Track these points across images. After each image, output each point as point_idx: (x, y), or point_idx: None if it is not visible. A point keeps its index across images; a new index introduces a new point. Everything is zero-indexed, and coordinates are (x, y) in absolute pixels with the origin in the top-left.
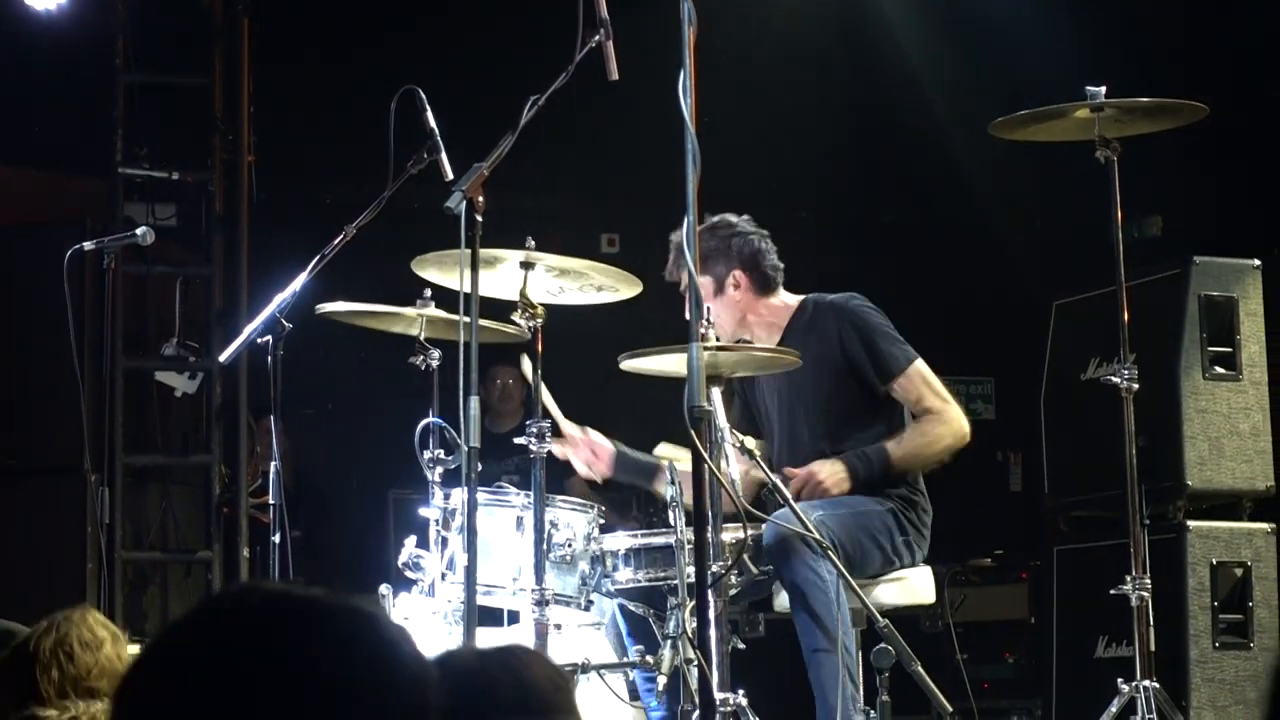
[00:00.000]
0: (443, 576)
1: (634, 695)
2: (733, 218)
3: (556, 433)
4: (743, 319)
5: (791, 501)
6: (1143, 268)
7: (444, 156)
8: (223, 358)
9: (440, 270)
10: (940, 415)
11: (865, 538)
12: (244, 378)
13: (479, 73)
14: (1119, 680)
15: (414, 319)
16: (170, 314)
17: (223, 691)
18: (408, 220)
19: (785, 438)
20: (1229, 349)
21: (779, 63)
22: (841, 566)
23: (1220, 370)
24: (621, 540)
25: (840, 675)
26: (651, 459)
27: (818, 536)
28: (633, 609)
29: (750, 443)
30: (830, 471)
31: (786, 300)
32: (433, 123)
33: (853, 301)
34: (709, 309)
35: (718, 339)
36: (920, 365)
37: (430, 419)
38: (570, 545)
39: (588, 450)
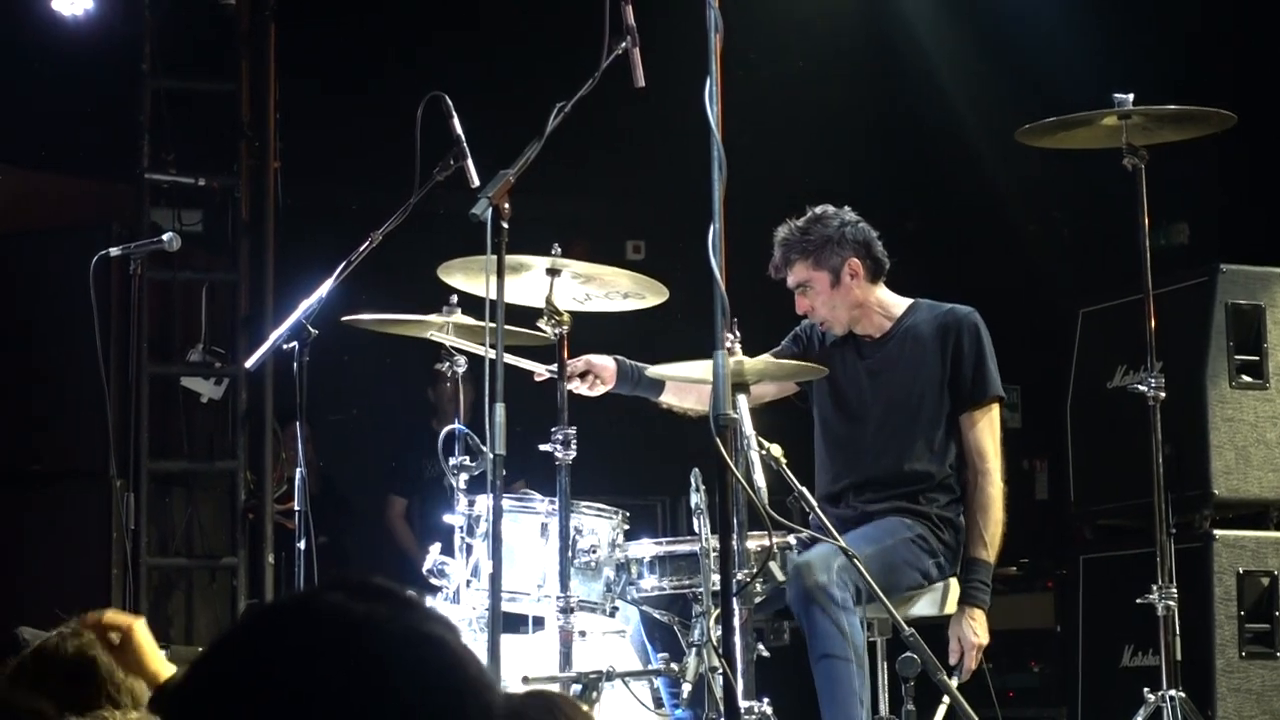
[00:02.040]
0: (467, 583)
1: (658, 703)
2: (833, 208)
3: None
4: (859, 308)
5: (816, 509)
6: (1169, 275)
7: (470, 163)
8: (248, 364)
9: (466, 276)
10: (988, 470)
11: (892, 571)
12: (270, 384)
13: (506, 79)
14: (1145, 690)
15: (440, 326)
16: (196, 320)
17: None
18: (434, 226)
19: (867, 425)
20: (1256, 357)
21: (806, 70)
22: (866, 574)
23: (1247, 379)
24: (646, 547)
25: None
26: (654, 375)
27: (843, 544)
28: (657, 616)
29: (776, 450)
30: (981, 630)
31: (895, 297)
32: (459, 129)
33: (974, 316)
34: (736, 321)
35: (822, 335)
36: (999, 406)
37: (454, 425)
38: (595, 551)
39: (591, 378)
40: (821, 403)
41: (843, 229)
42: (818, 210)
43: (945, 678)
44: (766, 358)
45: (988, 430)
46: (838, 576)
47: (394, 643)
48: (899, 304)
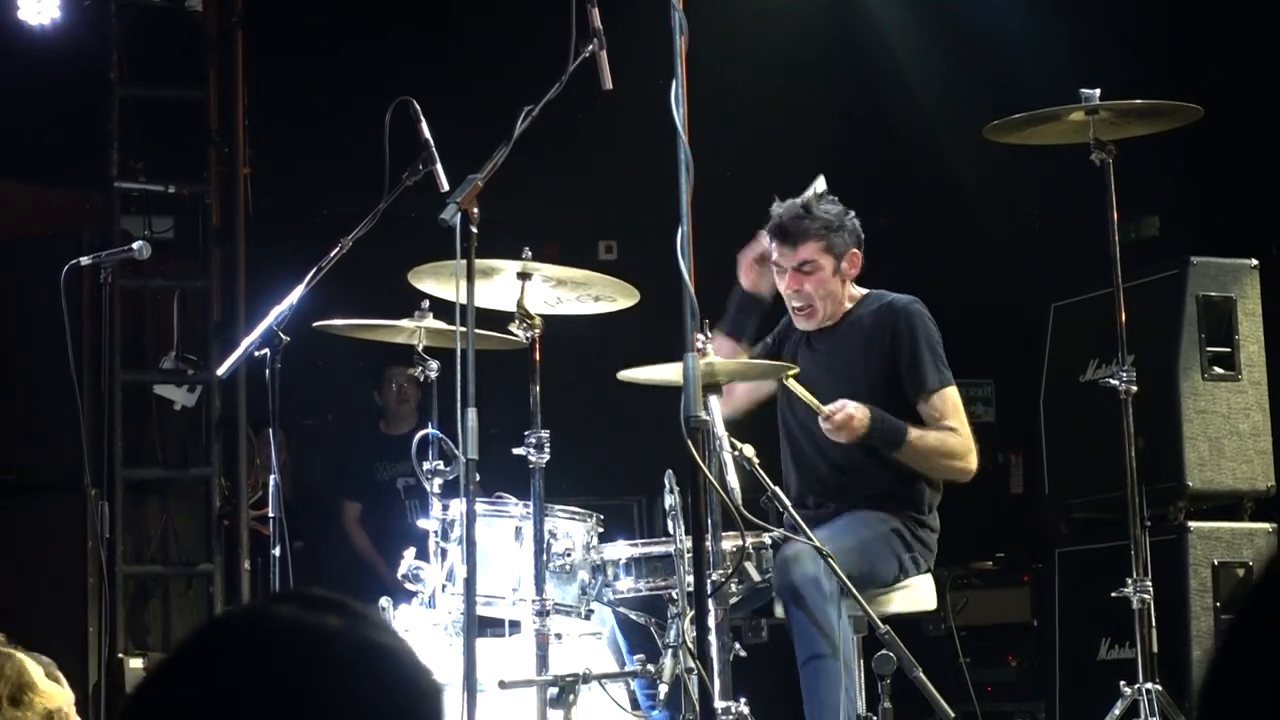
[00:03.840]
0: (442, 588)
1: (635, 705)
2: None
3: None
4: (838, 303)
5: (789, 507)
6: (1140, 269)
7: (439, 167)
8: (220, 371)
9: (437, 281)
10: (960, 436)
11: (872, 564)
12: (243, 390)
13: (474, 84)
14: (1121, 683)
15: (412, 331)
16: (168, 327)
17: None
18: (405, 231)
19: (799, 423)
20: (1228, 349)
21: (773, 68)
22: (841, 574)
23: (1219, 370)
24: (621, 549)
25: (840, 684)
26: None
27: (817, 544)
28: (633, 618)
29: (749, 451)
30: (858, 409)
31: (855, 287)
32: (427, 134)
33: (914, 306)
34: (707, 322)
35: (782, 340)
36: (952, 392)
37: (428, 430)
38: (570, 555)
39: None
40: (781, 404)
41: (846, 218)
42: (816, 190)
43: (922, 674)
44: (741, 358)
45: (943, 410)
46: (824, 567)
47: (348, 654)
48: (856, 293)
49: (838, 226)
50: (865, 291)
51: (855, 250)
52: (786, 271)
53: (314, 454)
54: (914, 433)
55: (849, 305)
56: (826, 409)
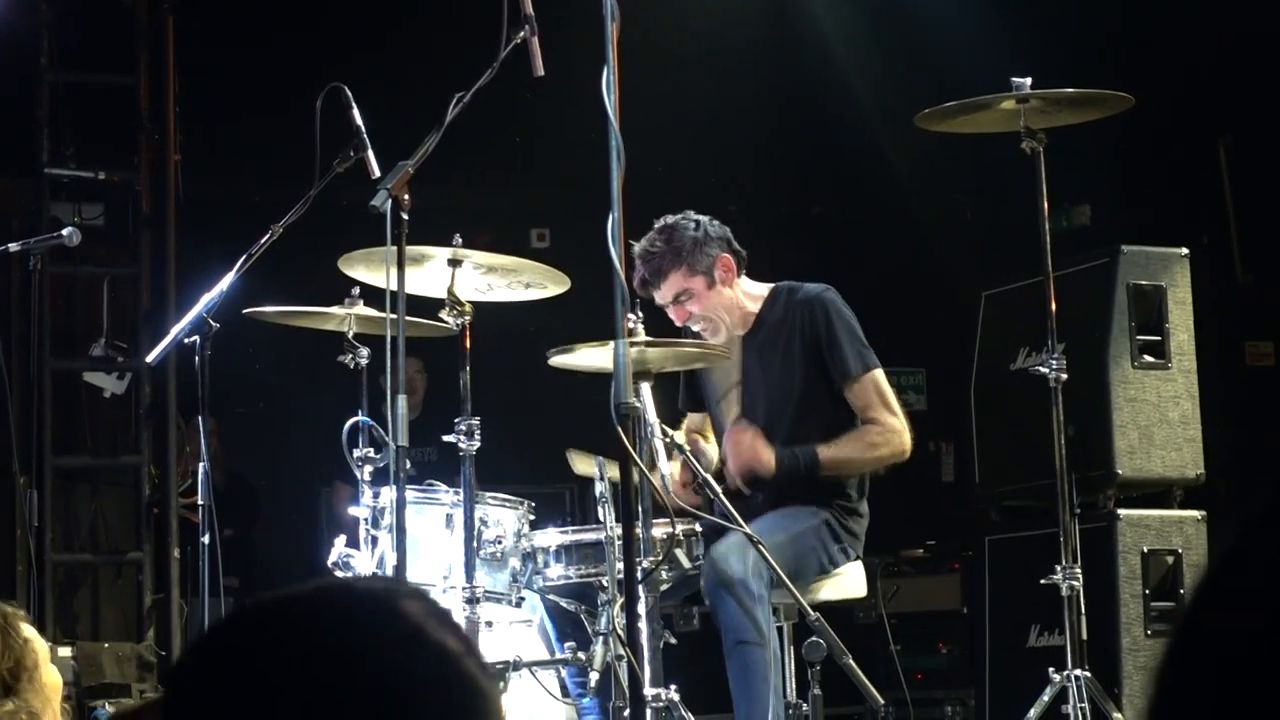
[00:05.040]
0: (373, 575)
1: (565, 692)
2: (674, 216)
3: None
4: (734, 307)
5: (720, 495)
6: (1071, 257)
7: (370, 154)
8: (150, 359)
9: (368, 268)
10: (883, 427)
11: (800, 559)
12: (173, 378)
13: (405, 70)
14: (1050, 669)
15: (343, 318)
16: (98, 314)
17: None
18: (336, 218)
19: (755, 421)
20: (1158, 338)
21: (705, 56)
22: (772, 561)
23: (1149, 359)
24: (552, 537)
25: (767, 672)
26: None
27: (748, 531)
28: (564, 605)
29: (679, 437)
30: (761, 444)
31: (756, 286)
32: (359, 120)
33: (826, 294)
34: (635, 303)
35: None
36: (877, 375)
37: (358, 417)
38: (500, 542)
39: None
40: (712, 407)
41: (703, 228)
42: (667, 220)
43: (852, 662)
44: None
45: (868, 396)
46: (753, 568)
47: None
48: (760, 293)
49: (690, 245)
50: (770, 286)
51: (722, 254)
52: (669, 307)
53: (251, 442)
54: (825, 451)
55: (756, 306)
56: (725, 448)
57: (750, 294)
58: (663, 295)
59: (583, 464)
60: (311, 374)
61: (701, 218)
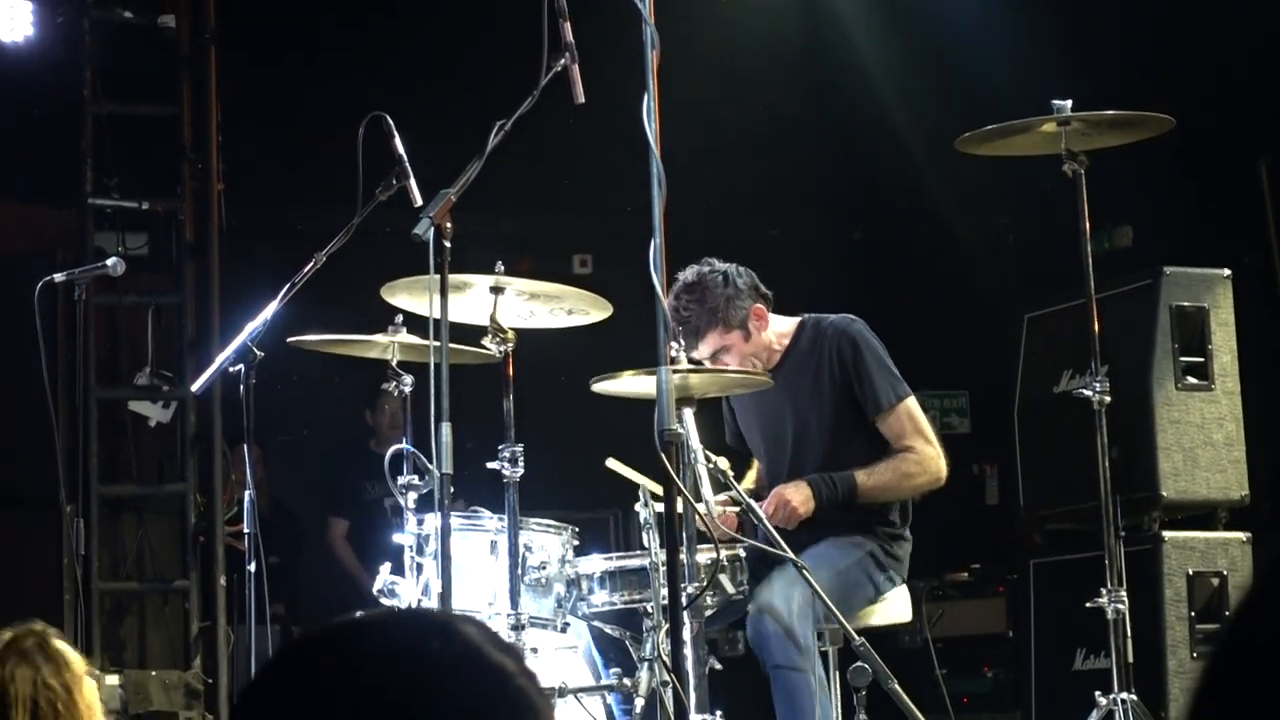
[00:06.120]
0: (418, 602)
1: (610, 719)
2: (697, 267)
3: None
4: (766, 349)
5: (765, 520)
6: (1113, 279)
7: (412, 182)
8: (195, 387)
9: (411, 296)
10: (918, 455)
11: (847, 591)
12: (217, 406)
13: (447, 98)
14: (1096, 693)
15: (386, 345)
16: (143, 343)
17: None
18: (379, 245)
19: (787, 456)
20: (1201, 359)
21: (746, 82)
22: (815, 584)
23: (1193, 380)
24: (596, 563)
25: (812, 695)
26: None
27: (792, 556)
28: (609, 632)
29: (723, 463)
30: (796, 493)
31: (783, 322)
32: (401, 149)
33: (853, 326)
34: (677, 330)
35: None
36: (909, 404)
37: (401, 445)
38: (545, 568)
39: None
40: (752, 442)
41: (731, 282)
42: (693, 274)
43: (897, 686)
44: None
45: (902, 425)
46: (799, 615)
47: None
48: (787, 328)
49: (724, 304)
50: (798, 320)
51: (755, 304)
52: (706, 361)
53: (295, 469)
54: (864, 478)
55: (785, 343)
56: (762, 510)
57: (779, 332)
58: (701, 353)
59: (623, 471)
60: (355, 402)
61: (727, 267)
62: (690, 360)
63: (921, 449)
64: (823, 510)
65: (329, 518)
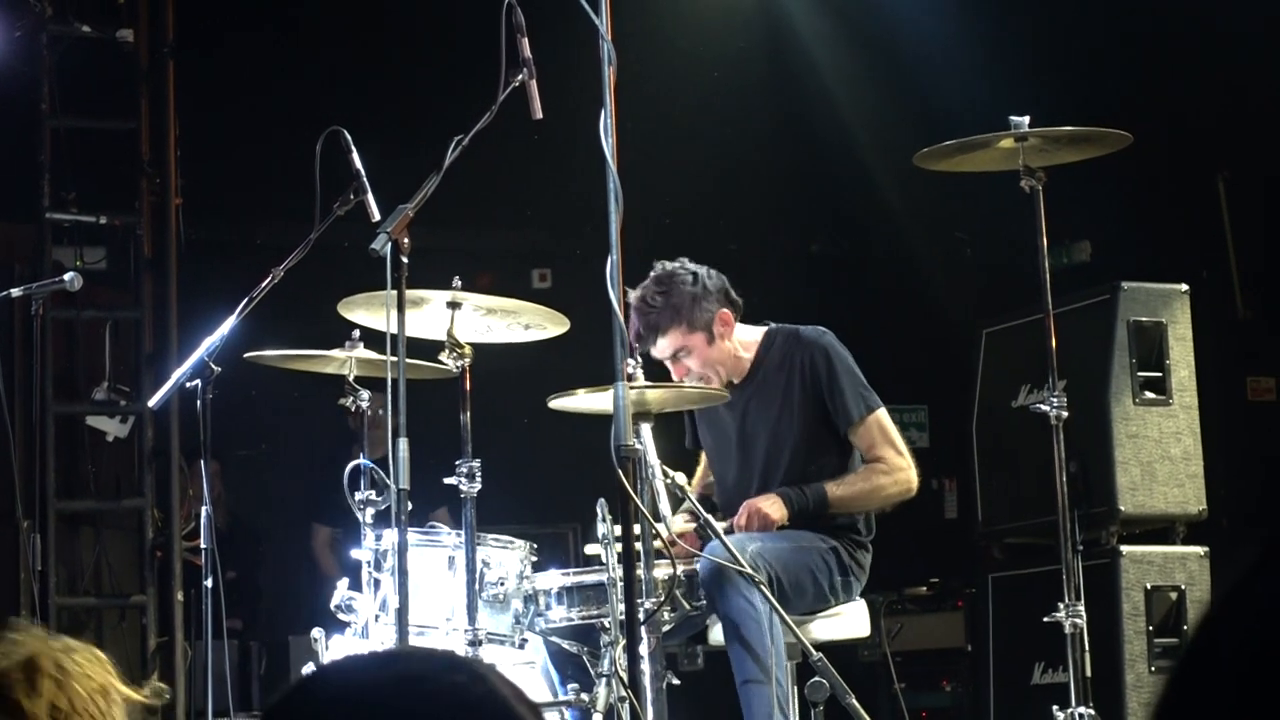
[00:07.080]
0: (375, 618)
1: None
2: (671, 263)
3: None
4: (732, 358)
5: (721, 535)
6: (1071, 294)
7: (370, 197)
8: (152, 403)
9: (368, 311)
10: (889, 465)
11: (802, 572)
12: (175, 421)
13: (405, 113)
14: (1054, 707)
15: (343, 361)
16: (100, 358)
17: None
18: (337, 260)
19: (757, 467)
20: (1159, 374)
21: (706, 96)
22: (773, 599)
23: (1150, 395)
24: (554, 578)
25: (773, 707)
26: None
27: (750, 571)
28: (566, 647)
29: (681, 479)
30: (768, 504)
31: (749, 331)
32: (358, 163)
33: (824, 339)
34: (634, 348)
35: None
36: (880, 415)
37: (360, 460)
38: (503, 584)
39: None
40: (710, 456)
41: (700, 282)
42: (665, 269)
43: (855, 701)
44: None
45: (872, 437)
46: (751, 557)
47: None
48: (753, 338)
49: (689, 302)
50: (764, 330)
51: (721, 309)
52: (666, 362)
53: (254, 484)
54: (834, 489)
55: (750, 353)
56: (732, 522)
57: (744, 342)
58: (660, 351)
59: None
60: (312, 417)
61: (699, 269)
62: (646, 358)
63: (892, 460)
64: (794, 521)
65: (312, 524)
